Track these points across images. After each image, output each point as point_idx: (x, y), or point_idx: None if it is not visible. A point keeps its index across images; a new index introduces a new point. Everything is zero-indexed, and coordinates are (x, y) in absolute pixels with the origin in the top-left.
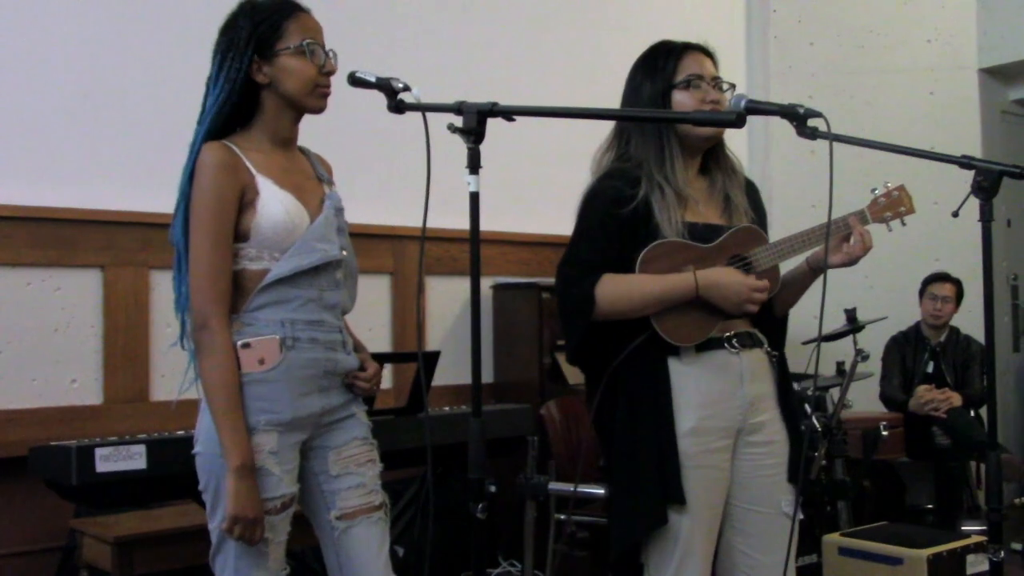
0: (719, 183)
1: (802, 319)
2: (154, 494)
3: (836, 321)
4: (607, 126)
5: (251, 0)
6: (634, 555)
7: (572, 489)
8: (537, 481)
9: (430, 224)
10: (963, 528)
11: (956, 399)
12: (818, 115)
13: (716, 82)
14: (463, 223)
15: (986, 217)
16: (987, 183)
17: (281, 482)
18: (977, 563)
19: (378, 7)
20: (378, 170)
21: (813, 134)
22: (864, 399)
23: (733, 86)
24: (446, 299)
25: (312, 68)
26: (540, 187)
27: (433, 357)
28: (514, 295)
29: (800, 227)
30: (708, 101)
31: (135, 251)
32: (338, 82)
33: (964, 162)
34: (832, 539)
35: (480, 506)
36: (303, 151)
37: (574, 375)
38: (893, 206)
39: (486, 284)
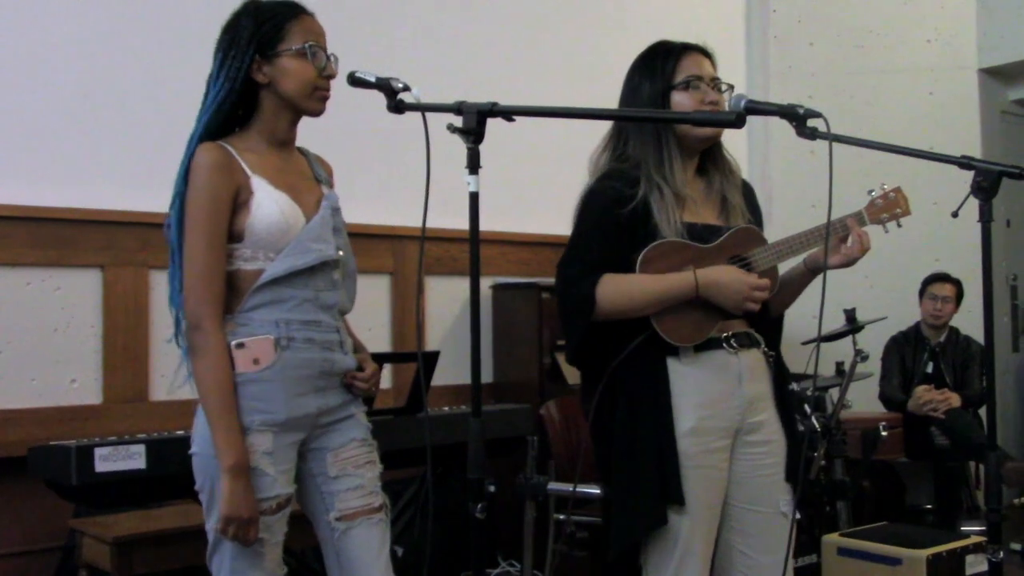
0: (716, 183)
1: (802, 319)
2: (153, 494)
3: (836, 321)
4: (607, 126)
5: (255, 0)
6: (632, 555)
7: (571, 489)
8: (536, 481)
9: (430, 224)
10: (962, 528)
11: (955, 399)
12: (818, 115)
13: (715, 83)
14: (463, 223)
15: (986, 217)
16: (987, 183)
17: (276, 482)
18: (976, 563)
19: (378, 7)
20: (378, 170)
21: (813, 134)
22: (863, 399)
23: (732, 87)
24: (446, 299)
25: (312, 70)
26: (540, 187)
27: (433, 357)
28: (514, 295)
29: (800, 227)
30: (707, 102)
31: (135, 251)
32: (338, 82)
33: (964, 162)
34: (831, 539)
35: (479, 506)
36: (302, 152)
37: (574, 375)
38: (890, 208)
39: (486, 284)
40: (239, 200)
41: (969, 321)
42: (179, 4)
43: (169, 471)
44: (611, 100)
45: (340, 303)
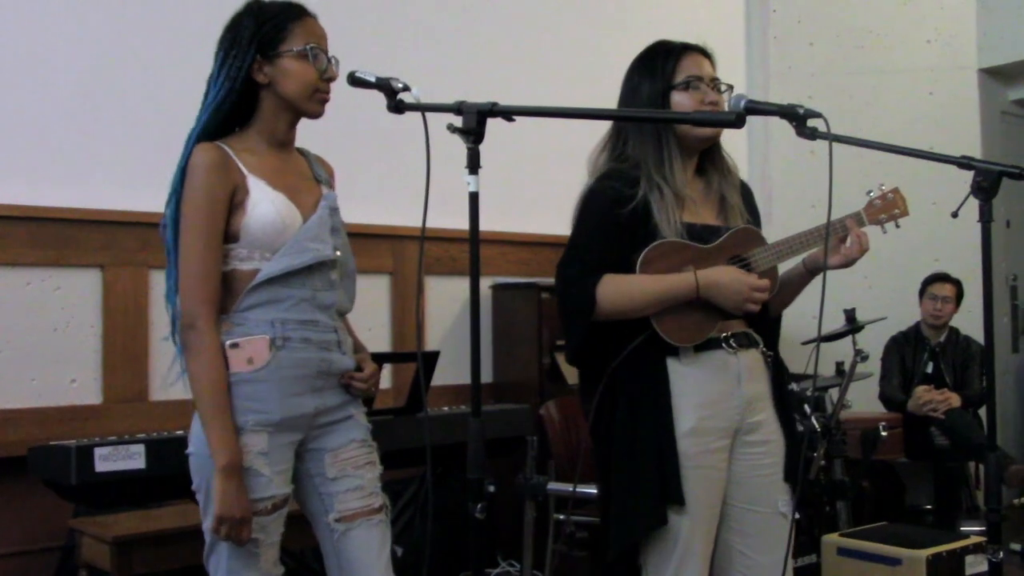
0: (715, 184)
1: (802, 319)
2: (153, 494)
3: (835, 321)
4: (607, 126)
5: (258, 0)
6: (632, 556)
7: (571, 489)
8: (536, 481)
9: (430, 224)
10: (962, 528)
11: (955, 400)
12: (818, 115)
13: (715, 83)
14: (463, 223)
15: (985, 218)
16: (986, 184)
17: (271, 483)
18: (976, 564)
19: (378, 7)
20: (378, 170)
21: (813, 134)
22: (863, 399)
23: (731, 87)
24: (445, 299)
25: (313, 72)
26: (540, 187)
27: (432, 357)
28: (513, 295)
29: (800, 227)
30: (707, 102)
31: (135, 251)
32: (339, 82)
33: (963, 163)
34: (831, 539)
35: (479, 506)
36: (303, 152)
37: (573, 375)
38: (888, 208)
39: (485, 284)
40: (235, 200)
41: (969, 321)
42: (179, 4)
43: (169, 471)
44: (611, 100)
45: (338, 303)
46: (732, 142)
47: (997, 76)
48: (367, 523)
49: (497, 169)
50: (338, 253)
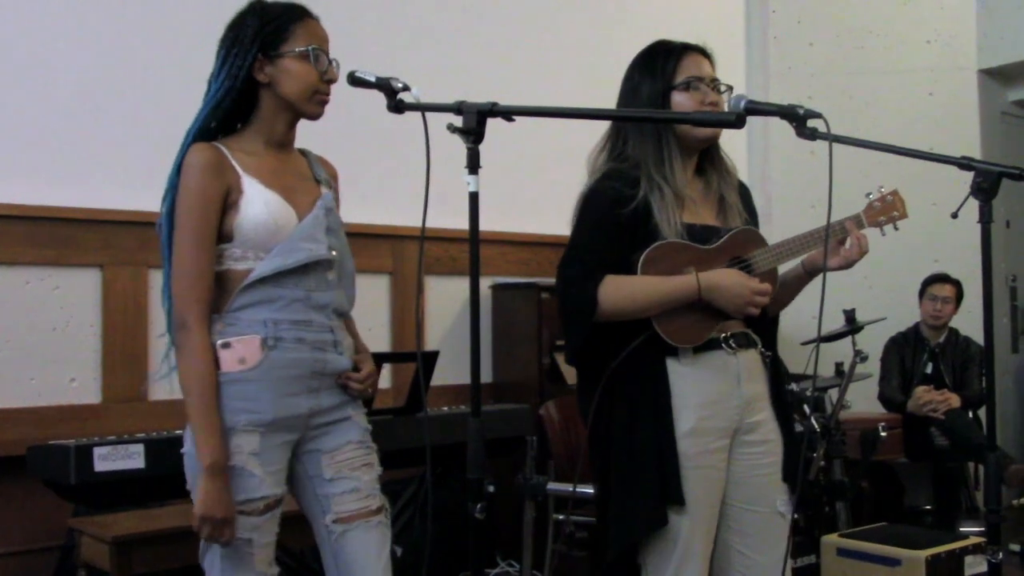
0: (714, 184)
1: (801, 320)
2: (152, 493)
3: (835, 322)
4: (606, 126)
5: (261, 0)
6: (631, 556)
7: (571, 489)
8: (536, 481)
9: (429, 224)
10: (961, 529)
11: (954, 400)
12: (817, 116)
13: (715, 83)
14: (462, 223)
15: (985, 218)
16: (986, 184)
17: (264, 483)
18: (975, 564)
19: (378, 7)
20: (378, 170)
21: (812, 135)
22: (863, 400)
23: (731, 88)
24: (445, 299)
25: (314, 74)
26: (540, 187)
27: (432, 357)
28: (513, 295)
29: (800, 228)
30: (707, 103)
31: (134, 250)
32: (339, 82)
33: (963, 163)
34: (830, 540)
35: (479, 506)
36: (303, 153)
37: (573, 375)
38: (887, 210)
39: (485, 284)
40: (229, 200)
41: (969, 322)
42: (179, 4)
43: (168, 471)
44: (611, 100)
45: (335, 303)
46: (732, 142)
47: (997, 77)
48: (365, 524)
49: (497, 169)
50: (334, 253)
